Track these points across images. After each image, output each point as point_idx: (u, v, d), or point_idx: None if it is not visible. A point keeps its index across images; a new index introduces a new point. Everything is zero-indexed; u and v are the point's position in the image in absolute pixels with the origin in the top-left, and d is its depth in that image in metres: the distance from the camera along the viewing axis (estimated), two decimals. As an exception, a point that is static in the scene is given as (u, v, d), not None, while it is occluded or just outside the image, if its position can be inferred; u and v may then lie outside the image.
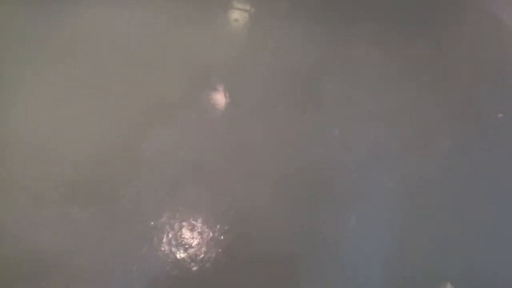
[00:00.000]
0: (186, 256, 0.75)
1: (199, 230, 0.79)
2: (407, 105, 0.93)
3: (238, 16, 1.00)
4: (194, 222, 0.80)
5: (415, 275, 0.76)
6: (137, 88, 0.97)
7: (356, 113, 0.92)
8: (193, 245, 0.77)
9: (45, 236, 0.80)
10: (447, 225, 0.78)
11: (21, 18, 0.97)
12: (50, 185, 0.86)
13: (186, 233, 0.79)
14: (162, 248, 0.76)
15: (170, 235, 0.78)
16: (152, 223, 0.81)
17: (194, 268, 0.74)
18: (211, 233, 0.78)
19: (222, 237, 0.79)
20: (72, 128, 0.91)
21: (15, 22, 0.95)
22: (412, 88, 0.94)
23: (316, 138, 0.89)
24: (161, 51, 0.99)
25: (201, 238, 0.78)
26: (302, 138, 0.90)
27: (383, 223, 0.81)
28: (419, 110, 0.92)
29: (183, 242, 0.77)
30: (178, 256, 0.76)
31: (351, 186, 0.85)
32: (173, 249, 0.75)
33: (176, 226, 0.79)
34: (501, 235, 0.77)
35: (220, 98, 0.93)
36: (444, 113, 0.90)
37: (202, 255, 0.77)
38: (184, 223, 0.80)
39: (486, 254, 0.76)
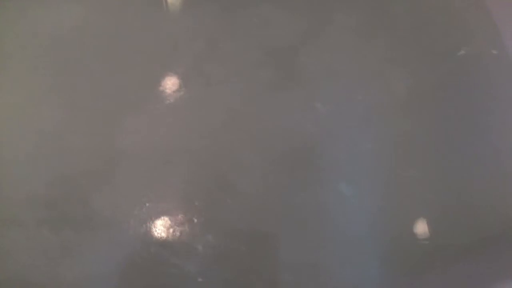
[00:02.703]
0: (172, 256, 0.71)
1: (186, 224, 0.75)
2: (381, 66, 0.90)
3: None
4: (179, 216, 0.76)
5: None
6: (100, 89, 0.89)
7: (336, 81, 0.89)
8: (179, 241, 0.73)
9: (16, 262, 0.74)
10: (428, 168, 0.81)
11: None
12: (20, 205, 0.79)
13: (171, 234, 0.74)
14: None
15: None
16: (131, 238, 0.75)
17: (186, 268, 0.70)
18: (203, 234, 0.74)
19: (214, 228, 0.75)
20: (38, 142, 0.84)
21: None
22: (386, 48, 0.91)
23: (299, 112, 0.85)
24: (119, 42, 0.91)
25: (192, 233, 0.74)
26: (284, 113, 0.86)
27: (371, 183, 0.81)
28: (394, 69, 0.90)
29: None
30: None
31: (338, 156, 0.83)
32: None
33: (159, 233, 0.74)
34: (471, 178, 0.80)
35: (192, 78, 0.87)
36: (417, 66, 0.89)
37: (195, 255, 0.73)
38: (170, 227, 0.76)
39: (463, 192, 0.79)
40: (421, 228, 0.79)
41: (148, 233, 0.77)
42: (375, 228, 0.77)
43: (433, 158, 0.82)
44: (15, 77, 0.87)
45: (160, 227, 0.77)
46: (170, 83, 0.88)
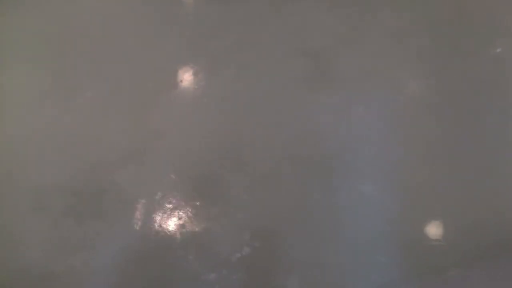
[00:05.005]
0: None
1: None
2: (415, 68, 0.89)
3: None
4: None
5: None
6: (134, 75, 0.92)
7: (367, 85, 0.89)
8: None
9: (37, 250, 0.79)
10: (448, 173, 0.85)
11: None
12: (47, 193, 0.84)
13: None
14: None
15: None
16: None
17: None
18: (229, 232, 0.77)
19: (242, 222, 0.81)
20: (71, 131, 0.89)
21: None
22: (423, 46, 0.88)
23: (328, 113, 0.86)
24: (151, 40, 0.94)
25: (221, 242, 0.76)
26: (313, 113, 0.87)
27: (391, 185, 0.85)
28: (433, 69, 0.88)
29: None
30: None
31: (361, 158, 0.87)
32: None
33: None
34: (489, 181, 0.84)
35: (221, 68, 0.89)
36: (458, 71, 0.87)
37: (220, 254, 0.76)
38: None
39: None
40: (437, 230, 0.77)
41: (163, 225, 0.79)
42: (391, 229, 0.76)
43: (456, 161, 0.79)
44: (45, 66, 0.91)
45: (176, 219, 0.80)
46: (199, 71, 0.89)
